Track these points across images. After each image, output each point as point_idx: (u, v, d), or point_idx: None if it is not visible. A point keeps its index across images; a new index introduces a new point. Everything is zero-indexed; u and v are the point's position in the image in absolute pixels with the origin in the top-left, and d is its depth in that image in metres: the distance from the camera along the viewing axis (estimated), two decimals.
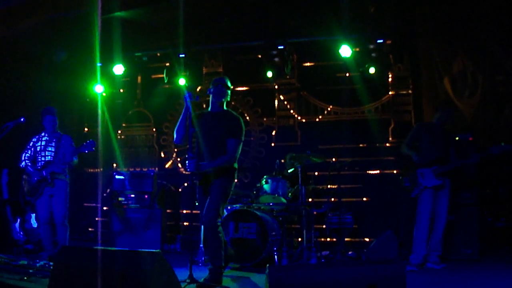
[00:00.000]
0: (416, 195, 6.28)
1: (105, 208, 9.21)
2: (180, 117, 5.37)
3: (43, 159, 6.60)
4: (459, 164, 6.23)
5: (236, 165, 5.40)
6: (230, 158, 5.25)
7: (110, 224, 8.29)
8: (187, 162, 5.23)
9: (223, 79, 5.45)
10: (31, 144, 6.71)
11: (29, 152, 6.68)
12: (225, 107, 5.48)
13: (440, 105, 6.61)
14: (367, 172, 8.49)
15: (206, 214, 5.16)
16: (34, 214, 7.80)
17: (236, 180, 5.49)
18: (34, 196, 6.53)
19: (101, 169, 9.42)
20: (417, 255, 6.11)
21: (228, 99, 5.48)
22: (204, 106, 5.78)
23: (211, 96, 5.44)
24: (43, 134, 6.76)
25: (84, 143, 6.43)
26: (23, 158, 6.66)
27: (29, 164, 6.61)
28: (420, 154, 6.35)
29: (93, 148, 6.40)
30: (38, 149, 6.66)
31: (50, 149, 6.64)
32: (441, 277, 5.60)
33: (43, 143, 6.69)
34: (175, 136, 5.44)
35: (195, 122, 5.38)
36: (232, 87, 5.52)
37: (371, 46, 8.27)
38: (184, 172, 9.42)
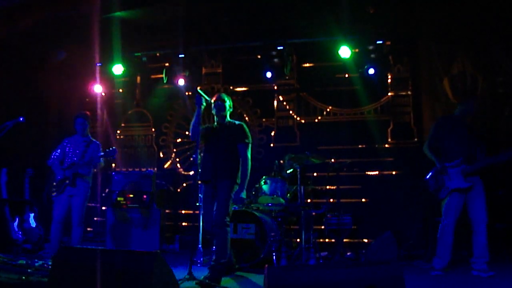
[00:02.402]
0: (444, 198, 5.84)
1: (103, 208, 9.20)
2: (194, 117, 5.65)
3: (69, 160, 6.67)
4: (491, 162, 5.69)
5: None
6: (248, 163, 5.65)
7: (109, 223, 8.28)
8: (235, 199, 5.58)
9: (219, 95, 5.83)
10: (62, 145, 6.82)
11: (59, 152, 6.76)
12: (228, 119, 5.85)
13: (461, 98, 6.24)
14: (366, 173, 8.49)
15: (216, 212, 5.46)
16: (32, 214, 7.81)
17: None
18: (55, 193, 6.58)
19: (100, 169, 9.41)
20: (442, 260, 5.77)
21: (229, 111, 5.85)
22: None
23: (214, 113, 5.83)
24: (75, 136, 6.88)
25: (107, 150, 6.59)
26: (52, 156, 6.77)
27: (56, 163, 6.68)
28: (444, 154, 5.94)
29: (115, 156, 6.58)
30: (66, 150, 6.75)
31: (78, 151, 6.71)
32: (440, 279, 5.60)
33: (73, 144, 6.78)
34: (191, 134, 5.72)
35: (202, 136, 5.76)
36: (229, 100, 5.85)
37: (371, 47, 8.27)
38: (183, 172, 9.42)
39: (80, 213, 6.60)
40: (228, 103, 5.81)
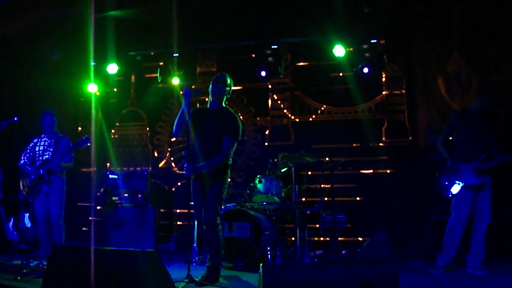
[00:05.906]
0: (452, 195, 5.76)
1: (98, 207, 9.19)
2: (180, 112, 5.41)
3: (41, 158, 6.62)
4: (505, 160, 5.56)
5: (230, 162, 5.52)
6: (224, 157, 5.34)
7: (103, 223, 8.29)
8: (184, 166, 5.32)
9: (222, 76, 5.50)
10: (31, 145, 6.76)
11: (29, 153, 6.70)
12: (223, 105, 5.54)
13: (478, 91, 6.02)
14: (361, 171, 8.50)
15: (206, 214, 5.33)
16: (27, 214, 7.79)
17: (229, 180, 5.66)
18: (32, 194, 6.54)
19: (95, 169, 9.40)
20: (446, 255, 5.77)
21: (228, 96, 5.55)
22: (206, 99, 5.73)
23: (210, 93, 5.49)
24: (43, 135, 6.82)
25: (80, 140, 6.52)
26: (22, 158, 6.69)
27: (28, 163, 6.63)
28: (458, 149, 5.84)
29: (88, 144, 6.48)
30: (37, 149, 6.70)
31: (49, 148, 6.68)
32: (435, 277, 5.62)
33: (43, 142, 6.72)
34: (174, 129, 5.49)
35: (192, 119, 5.46)
36: (231, 84, 5.56)
37: (365, 46, 8.27)
38: (178, 171, 9.41)
39: (58, 211, 6.56)
40: (227, 86, 5.45)
